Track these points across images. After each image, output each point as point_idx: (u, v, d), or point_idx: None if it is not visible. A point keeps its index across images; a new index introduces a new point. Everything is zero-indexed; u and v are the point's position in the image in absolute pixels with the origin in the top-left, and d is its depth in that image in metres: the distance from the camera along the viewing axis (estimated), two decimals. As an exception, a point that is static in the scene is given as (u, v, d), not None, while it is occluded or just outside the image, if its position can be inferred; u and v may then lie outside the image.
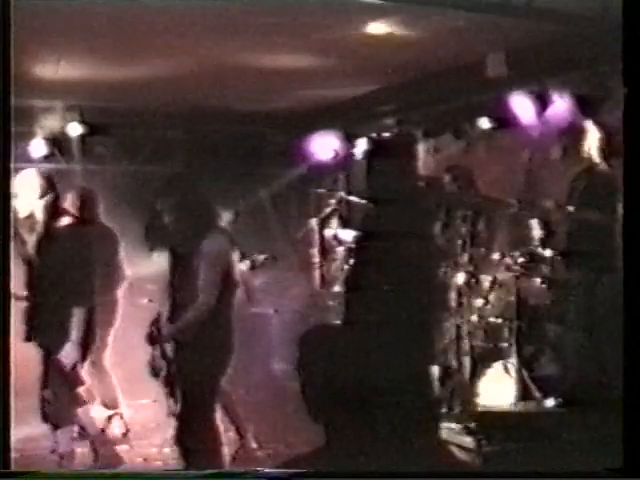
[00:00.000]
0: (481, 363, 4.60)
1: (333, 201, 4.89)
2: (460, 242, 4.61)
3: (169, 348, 3.67)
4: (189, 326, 3.61)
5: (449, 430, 4.16)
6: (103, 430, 4.07)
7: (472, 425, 4.11)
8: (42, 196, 3.92)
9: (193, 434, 3.68)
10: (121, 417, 4.14)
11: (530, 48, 4.15)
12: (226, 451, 3.78)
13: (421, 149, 4.71)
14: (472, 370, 4.60)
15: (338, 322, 4.50)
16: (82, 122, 4.55)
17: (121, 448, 4.05)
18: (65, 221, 3.99)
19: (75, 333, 3.89)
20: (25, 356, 3.70)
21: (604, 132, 4.22)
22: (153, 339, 3.70)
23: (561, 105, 4.24)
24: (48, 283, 3.89)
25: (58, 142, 4.54)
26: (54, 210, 3.96)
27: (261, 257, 4.45)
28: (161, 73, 4.42)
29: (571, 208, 4.38)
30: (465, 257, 4.60)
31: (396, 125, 4.76)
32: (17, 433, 3.36)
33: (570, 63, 4.18)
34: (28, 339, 3.83)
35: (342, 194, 4.81)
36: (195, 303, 3.58)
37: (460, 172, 4.72)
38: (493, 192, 4.65)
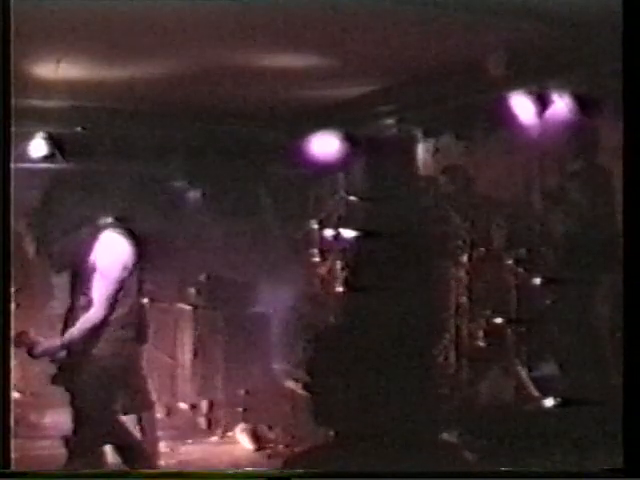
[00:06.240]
0: (481, 363, 4.59)
1: (333, 201, 4.88)
2: (460, 242, 4.60)
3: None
4: (76, 341, 3.40)
5: (449, 430, 4.16)
6: None
7: (472, 425, 4.11)
8: None
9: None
10: None
11: (530, 48, 4.15)
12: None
13: (421, 149, 4.70)
14: (472, 370, 4.59)
15: (338, 322, 4.50)
16: (82, 122, 4.54)
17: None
18: None
19: None
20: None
21: (604, 132, 4.22)
22: (32, 355, 3.50)
23: (561, 105, 4.24)
24: None
25: (58, 142, 4.54)
26: None
27: None
28: (161, 73, 4.42)
29: (571, 208, 4.39)
30: (465, 257, 4.60)
31: (396, 125, 4.76)
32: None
33: (570, 63, 4.18)
34: None
35: (342, 194, 4.80)
36: (86, 314, 3.41)
37: (460, 172, 4.71)
38: (493, 192, 4.65)
